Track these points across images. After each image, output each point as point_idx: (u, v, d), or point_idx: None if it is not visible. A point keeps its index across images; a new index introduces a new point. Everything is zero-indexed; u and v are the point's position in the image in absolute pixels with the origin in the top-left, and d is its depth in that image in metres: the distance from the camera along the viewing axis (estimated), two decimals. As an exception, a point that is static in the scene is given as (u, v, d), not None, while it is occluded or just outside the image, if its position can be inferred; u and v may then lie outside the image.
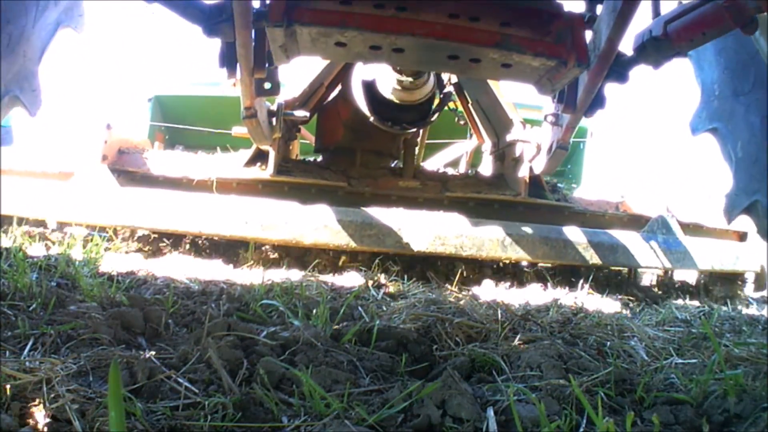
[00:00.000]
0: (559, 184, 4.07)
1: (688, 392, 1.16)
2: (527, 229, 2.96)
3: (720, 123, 2.08)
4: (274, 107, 2.79)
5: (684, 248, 3.19)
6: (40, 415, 0.88)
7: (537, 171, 3.17)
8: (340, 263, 3.13)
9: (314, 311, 1.71)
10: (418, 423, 0.99)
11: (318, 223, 2.82)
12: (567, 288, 3.00)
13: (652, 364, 1.45)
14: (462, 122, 4.33)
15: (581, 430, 0.99)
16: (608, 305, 2.53)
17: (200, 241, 3.24)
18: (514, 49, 1.78)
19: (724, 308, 2.94)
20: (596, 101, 2.03)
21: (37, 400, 0.90)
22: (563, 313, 2.12)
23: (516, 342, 1.61)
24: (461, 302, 2.03)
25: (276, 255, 3.15)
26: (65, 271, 1.95)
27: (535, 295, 2.73)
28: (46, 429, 0.86)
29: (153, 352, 1.22)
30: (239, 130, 3.22)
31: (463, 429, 0.97)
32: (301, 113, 3.13)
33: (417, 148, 4.26)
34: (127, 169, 3.46)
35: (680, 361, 1.49)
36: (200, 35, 1.81)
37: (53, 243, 2.85)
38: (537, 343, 1.55)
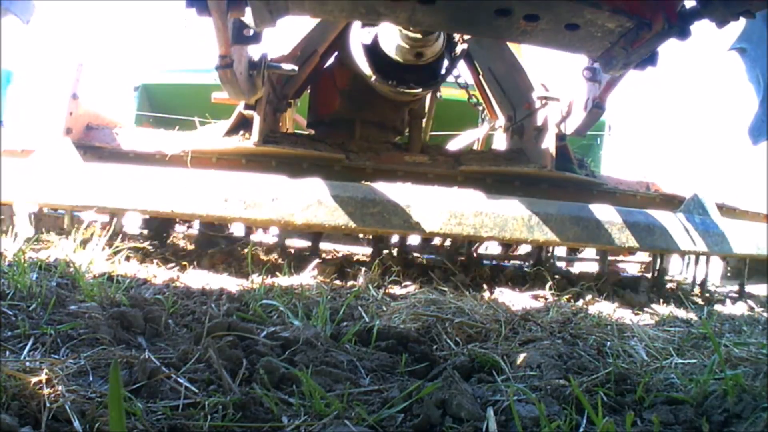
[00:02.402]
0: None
1: (688, 392, 1.16)
2: (555, 207, 2.63)
3: None
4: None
5: (721, 231, 2.90)
6: (40, 415, 0.88)
7: (569, 131, 2.89)
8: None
9: (314, 311, 1.71)
10: (418, 423, 0.99)
11: (311, 200, 2.40)
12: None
13: (652, 364, 1.45)
14: (472, 99, 3.82)
15: (581, 430, 0.99)
16: (608, 306, 2.53)
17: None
18: (587, 1, 1.37)
19: (724, 308, 2.94)
20: (647, 55, 1.71)
21: (37, 400, 0.90)
22: (563, 313, 2.12)
23: (516, 342, 1.61)
24: (461, 302, 2.03)
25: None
26: (65, 271, 1.95)
27: (535, 294, 2.71)
28: (46, 429, 0.86)
29: (153, 352, 1.22)
30: (221, 96, 2.81)
31: (463, 429, 0.97)
32: (288, 66, 2.73)
33: (424, 120, 3.77)
34: (94, 144, 3.16)
35: (680, 361, 1.49)
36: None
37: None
38: (537, 343, 1.55)
